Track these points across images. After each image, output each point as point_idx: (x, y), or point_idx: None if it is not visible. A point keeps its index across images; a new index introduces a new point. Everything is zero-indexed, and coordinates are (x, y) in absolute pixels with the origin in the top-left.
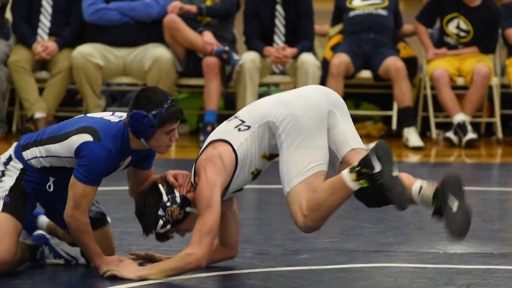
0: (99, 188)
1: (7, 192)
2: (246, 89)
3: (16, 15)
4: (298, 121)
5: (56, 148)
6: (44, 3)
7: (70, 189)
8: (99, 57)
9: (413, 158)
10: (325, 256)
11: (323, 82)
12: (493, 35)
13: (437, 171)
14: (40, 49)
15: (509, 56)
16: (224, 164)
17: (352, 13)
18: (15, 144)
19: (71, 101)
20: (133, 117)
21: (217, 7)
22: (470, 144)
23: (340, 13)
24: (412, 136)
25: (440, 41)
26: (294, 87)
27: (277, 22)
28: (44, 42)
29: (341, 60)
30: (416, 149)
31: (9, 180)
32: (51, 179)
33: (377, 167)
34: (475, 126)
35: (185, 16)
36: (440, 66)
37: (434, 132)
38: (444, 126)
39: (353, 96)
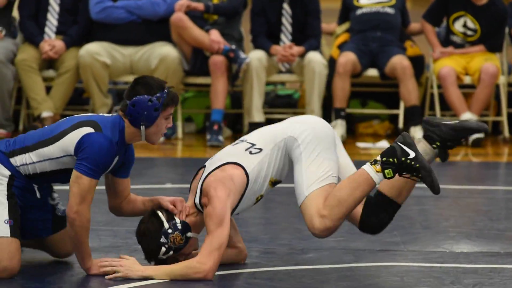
0: (104, 187)
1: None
2: (252, 88)
3: (24, 13)
4: (316, 133)
5: (50, 150)
6: (51, 1)
7: (74, 184)
8: (106, 55)
9: None
10: (332, 255)
11: (329, 80)
12: (500, 33)
13: (443, 170)
14: (47, 48)
15: None
16: (235, 186)
17: (359, 11)
18: None
19: (78, 99)
20: (136, 103)
21: (224, 5)
22: (477, 143)
23: (347, 11)
24: (418, 135)
25: (446, 40)
26: (301, 86)
27: (284, 20)
28: (51, 41)
29: (348, 58)
30: None
31: (1, 188)
32: (35, 186)
33: (411, 153)
34: None
35: (192, 14)
36: (447, 64)
37: None
38: None
39: (360, 94)
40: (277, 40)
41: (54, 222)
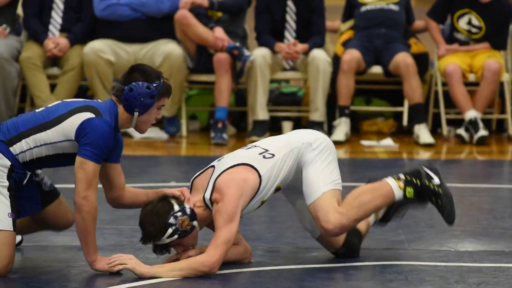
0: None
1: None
2: (257, 85)
3: (28, 11)
4: (328, 143)
5: (48, 134)
6: None
7: (79, 170)
8: (110, 53)
9: (424, 155)
10: None
11: (334, 78)
12: (505, 31)
13: (448, 168)
14: (51, 46)
15: None
16: (248, 189)
17: (363, 8)
18: None
19: (82, 97)
20: (134, 89)
21: (229, 2)
22: (481, 141)
23: (351, 8)
24: (423, 132)
25: (450, 38)
26: (305, 83)
27: (288, 18)
28: (56, 39)
29: (352, 56)
30: (427, 146)
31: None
32: (28, 174)
33: (436, 179)
34: (486, 123)
35: (196, 12)
36: (453, 61)
37: (445, 129)
38: (455, 123)
39: (364, 92)
40: (281, 38)
41: (43, 196)
